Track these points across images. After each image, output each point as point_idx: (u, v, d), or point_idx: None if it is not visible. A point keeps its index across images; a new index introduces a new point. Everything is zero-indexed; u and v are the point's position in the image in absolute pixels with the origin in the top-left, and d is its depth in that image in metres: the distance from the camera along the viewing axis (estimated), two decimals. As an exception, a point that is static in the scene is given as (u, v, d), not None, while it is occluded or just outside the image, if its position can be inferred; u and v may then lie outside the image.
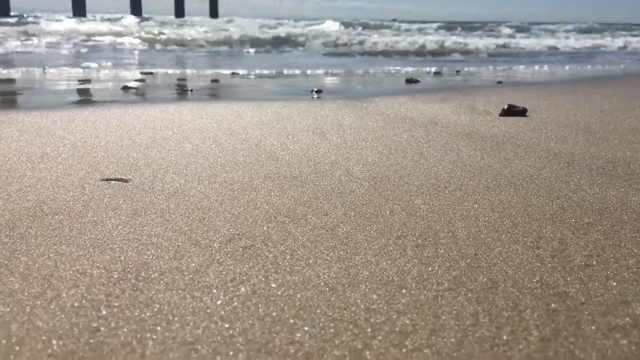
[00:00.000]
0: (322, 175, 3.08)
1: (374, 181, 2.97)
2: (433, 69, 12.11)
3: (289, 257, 1.97)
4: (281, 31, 24.08)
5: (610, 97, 6.97)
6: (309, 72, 10.96)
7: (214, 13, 75.86)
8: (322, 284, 1.76)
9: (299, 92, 7.35)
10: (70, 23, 24.54)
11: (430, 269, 1.88)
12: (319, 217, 2.40)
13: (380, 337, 1.45)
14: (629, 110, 5.71)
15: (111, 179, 2.92)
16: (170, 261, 1.92)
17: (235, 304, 1.62)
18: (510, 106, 5.36)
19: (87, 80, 8.46)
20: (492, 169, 3.26)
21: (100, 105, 5.58)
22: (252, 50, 17.24)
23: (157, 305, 1.60)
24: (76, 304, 1.61)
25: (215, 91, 7.42)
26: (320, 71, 11.15)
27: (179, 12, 72.55)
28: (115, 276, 1.79)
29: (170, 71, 10.47)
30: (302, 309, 1.59)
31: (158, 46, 17.53)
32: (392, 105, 5.94)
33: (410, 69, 12.10)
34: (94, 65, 11.32)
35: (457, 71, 11.93)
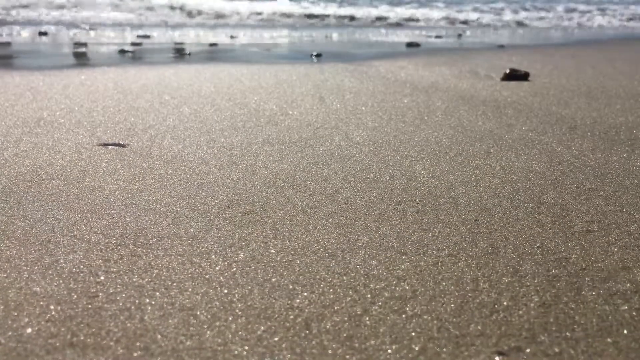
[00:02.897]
0: (322, 140, 3.05)
1: (374, 146, 2.94)
2: (434, 33, 11.95)
3: (288, 222, 1.96)
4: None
5: (614, 61, 6.89)
6: (305, 34, 10.82)
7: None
8: (321, 249, 1.75)
9: (298, 56, 7.26)
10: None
11: (430, 234, 1.87)
12: (319, 182, 2.38)
13: (379, 303, 1.44)
14: (632, 75, 5.65)
15: (108, 144, 2.89)
16: (168, 227, 1.90)
17: (234, 269, 1.61)
18: (512, 70, 5.30)
19: (84, 44, 8.35)
20: (494, 134, 3.23)
21: (97, 69, 5.51)
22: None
23: (156, 271, 1.59)
24: (74, 269, 1.60)
25: (213, 55, 7.33)
26: (320, 34, 11.00)
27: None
28: (114, 242, 1.78)
29: (167, 34, 10.33)
30: (302, 275, 1.59)
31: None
32: (393, 69, 5.87)
33: (411, 32, 11.95)
34: (90, 28, 11.16)
35: (459, 35, 11.78)
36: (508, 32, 13.22)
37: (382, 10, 18.87)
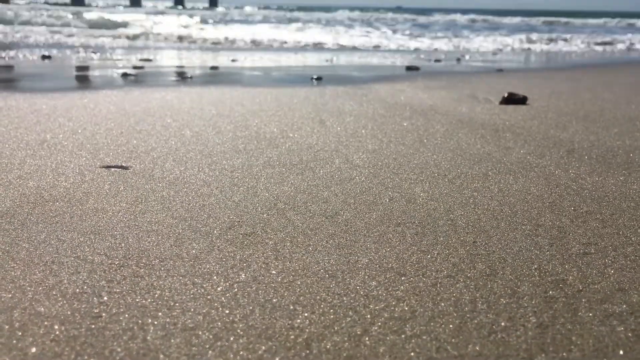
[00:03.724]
0: (322, 163, 3.08)
1: (373, 169, 2.97)
2: (434, 57, 12.08)
3: (289, 244, 1.98)
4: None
5: (611, 85, 6.96)
6: (308, 55, 10.93)
7: (213, 1, 75.71)
8: (321, 270, 1.77)
9: (298, 79, 7.34)
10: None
11: (429, 256, 1.89)
12: (319, 204, 2.41)
13: (379, 323, 1.46)
14: (630, 99, 5.71)
15: (111, 166, 2.93)
16: (170, 248, 1.93)
17: (236, 290, 1.63)
18: (511, 94, 5.35)
19: (87, 67, 8.44)
20: (492, 157, 3.26)
21: (100, 92, 5.57)
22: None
23: (158, 292, 1.62)
24: (77, 290, 1.62)
25: (214, 78, 7.41)
26: (321, 56, 11.12)
27: (179, 0, 72.36)
28: (117, 263, 1.80)
29: (169, 58, 10.44)
30: (302, 296, 1.61)
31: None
32: (393, 92, 5.93)
33: (410, 56, 12.07)
34: (93, 51, 11.29)
35: (458, 59, 11.90)
36: (506, 56, 13.35)
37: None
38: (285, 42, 15.81)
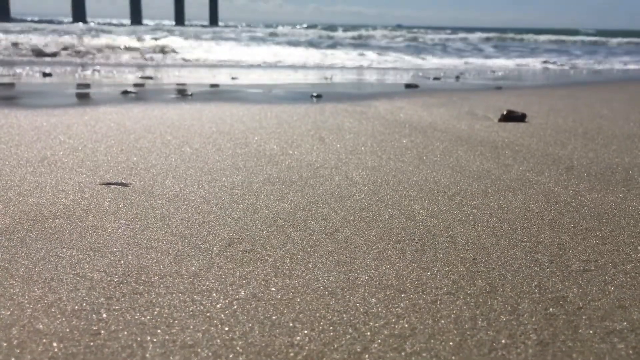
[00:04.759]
0: (322, 179, 3.09)
1: (373, 186, 2.98)
2: (432, 75, 12.15)
3: (288, 261, 1.98)
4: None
5: (610, 102, 6.99)
6: (309, 73, 10.98)
7: (213, 19, 76.41)
8: (321, 287, 1.77)
9: (298, 97, 7.37)
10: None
11: (429, 273, 1.89)
12: (319, 221, 2.41)
13: (379, 341, 1.46)
14: (628, 116, 5.73)
15: (111, 183, 2.93)
16: (170, 265, 1.92)
17: (235, 307, 1.63)
18: (509, 112, 5.38)
19: (87, 85, 8.48)
20: (491, 174, 3.27)
21: (101, 109, 5.59)
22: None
23: (158, 309, 1.61)
24: (77, 307, 1.61)
25: (215, 96, 7.44)
26: (321, 74, 11.18)
27: (179, 18, 73.06)
28: (116, 280, 1.80)
29: (170, 76, 10.49)
30: (302, 313, 1.60)
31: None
32: (392, 110, 5.95)
33: (407, 74, 12.14)
34: (94, 69, 11.35)
35: (457, 77, 11.96)
36: (505, 74, 13.42)
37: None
38: (285, 61, 15.91)
